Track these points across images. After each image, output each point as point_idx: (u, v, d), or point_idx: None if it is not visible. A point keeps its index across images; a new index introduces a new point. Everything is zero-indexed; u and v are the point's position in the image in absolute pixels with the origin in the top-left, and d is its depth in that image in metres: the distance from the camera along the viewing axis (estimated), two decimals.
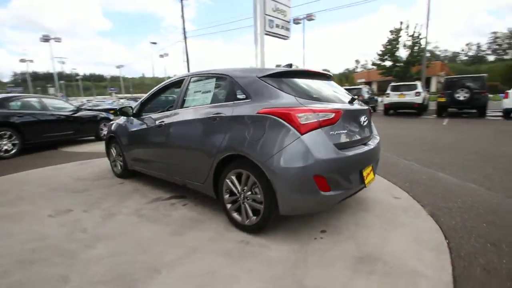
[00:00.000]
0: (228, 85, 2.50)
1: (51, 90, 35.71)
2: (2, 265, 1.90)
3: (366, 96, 15.00)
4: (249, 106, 2.22)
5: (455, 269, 1.78)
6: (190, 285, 1.66)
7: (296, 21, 23.06)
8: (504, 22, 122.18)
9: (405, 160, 4.73)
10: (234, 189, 2.30)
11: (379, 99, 18.65)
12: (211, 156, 2.41)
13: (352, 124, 2.31)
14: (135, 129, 3.52)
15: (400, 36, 27.68)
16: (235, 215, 2.35)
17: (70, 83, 64.52)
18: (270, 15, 16.26)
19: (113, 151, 4.10)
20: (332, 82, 2.78)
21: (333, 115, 2.06)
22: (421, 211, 2.66)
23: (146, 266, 1.85)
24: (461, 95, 10.93)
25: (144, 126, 3.36)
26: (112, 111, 11.35)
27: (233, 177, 2.29)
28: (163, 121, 3.00)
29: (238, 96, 2.39)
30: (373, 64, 29.76)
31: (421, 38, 26.46)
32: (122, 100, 27.44)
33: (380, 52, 28.61)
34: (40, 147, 6.83)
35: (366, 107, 2.65)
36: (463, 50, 78.28)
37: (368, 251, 1.99)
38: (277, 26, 16.97)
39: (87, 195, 3.32)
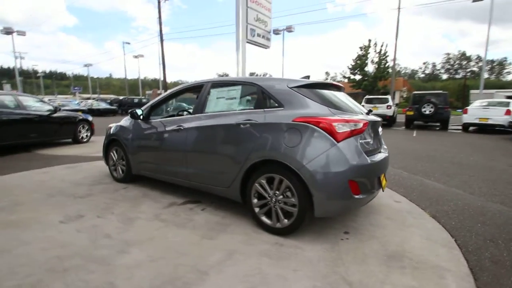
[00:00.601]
0: (257, 93, 2.61)
1: (7, 87, 32.53)
2: (33, 274, 1.79)
3: None
4: (282, 114, 2.35)
5: (469, 262, 2.04)
6: (243, 286, 1.72)
7: (276, 31, 23.82)
8: (455, 45, 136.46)
9: (393, 168, 5.14)
10: (264, 193, 2.39)
11: None
12: (240, 161, 2.49)
13: (371, 134, 2.54)
14: (145, 132, 3.45)
15: (368, 53, 29.76)
16: (264, 218, 2.43)
17: (29, 80, 59.29)
18: (252, 24, 16.60)
19: (114, 155, 3.95)
20: (345, 93, 3.01)
21: (361, 125, 2.26)
22: (423, 214, 2.96)
23: (192, 270, 1.87)
24: (427, 109, 12.05)
25: (157, 130, 3.32)
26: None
27: (263, 182, 2.39)
28: (181, 126, 3.00)
29: (268, 104, 2.51)
30: (344, 77, 31.51)
31: (387, 56, 28.73)
32: (90, 101, 25.86)
33: (351, 66, 30.44)
34: (12, 150, 6.28)
35: (380, 118, 2.91)
36: (420, 68, 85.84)
37: (392, 249, 2.19)
38: (258, 35, 17.37)
39: (92, 200, 3.17)
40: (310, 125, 2.18)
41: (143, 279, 1.76)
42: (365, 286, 1.73)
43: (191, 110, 4.03)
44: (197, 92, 4.15)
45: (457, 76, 62.78)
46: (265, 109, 2.48)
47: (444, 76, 70.34)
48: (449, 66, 70.63)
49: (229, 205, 2.97)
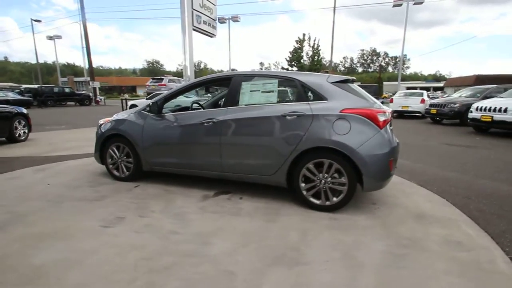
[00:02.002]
0: (297, 87, 2.85)
1: None
2: (138, 278, 1.72)
3: None
4: (328, 106, 2.67)
5: (465, 213, 2.78)
6: (338, 252, 2.02)
7: (222, 20, 23.30)
8: (367, 42, 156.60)
9: None
10: (312, 176, 2.70)
11: None
12: (287, 149, 2.72)
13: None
14: (164, 126, 3.30)
15: (303, 46, 31.98)
16: (312, 199, 2.75)
17: None
18: (197, 10, 16.10)
19: (115, 153, 3.62)
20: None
21: (389, 114, 2.76)
22: (412, 184, 3.73)
23: (285, 247, 2.07)
24: None
25: (179, 124, 3.22)
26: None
27: (311, 166, 2.69)
28: (213, 119, 3.02)
29: (310, 97, 2.79)
30: (282, 68, 33.27)
31: (320, 50, 31.43)
32: None
33: (288, 58, 32.25)
34: None
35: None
36: (341, 62, 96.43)
37: (413, 211, 2.79)
38: (204, 22, 16.96)
39: (113, 202, 2.93)
40: (358, 115, 2.57)
41: (252, 261, 1.89)
42: (419, 239, 2.24)
43: (198, 103, 3.98)
44: (219, 85, 4.12)
45: (369, 70, 72.97)
46: (309, 102, 2.76)
47: (360, 70, 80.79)
48: (363, 61, 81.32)
49: (261, 192, 3.17)
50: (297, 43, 31.95)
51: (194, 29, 14.66)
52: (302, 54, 31.67)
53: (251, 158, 2.93)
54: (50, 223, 2.44)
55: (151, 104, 3.32)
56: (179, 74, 42.37)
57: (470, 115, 8.24)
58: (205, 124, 3.06)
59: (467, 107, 8.91)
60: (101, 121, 3.84)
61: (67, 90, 24.37)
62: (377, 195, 3.22)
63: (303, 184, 2.76)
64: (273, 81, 2.96)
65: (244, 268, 1.83)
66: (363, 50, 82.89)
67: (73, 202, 2.91)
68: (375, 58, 77.73)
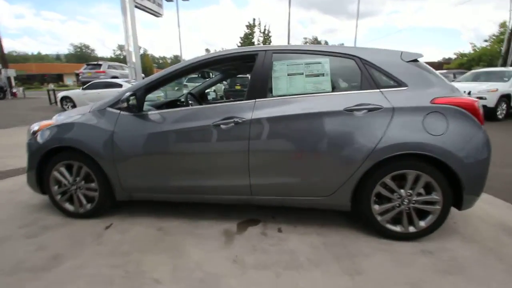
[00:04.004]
0: (359, 68, 1.97)
1: None
2: None
3: None
4: (411, 94, 1.87)
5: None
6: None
7: None
8: (308, 31, 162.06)
9: None
10: (389, 194, 1.92)
11: None
12: (355, 159, 1.87)
13: None
14: (148, 131, 2.11)
15: (254, 32, 31.09)
16: (390, 226, 1.97)
17: None
18: None
19: (64, 176, 2.29)
20: None
21: None
22: None
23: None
24: None
25: (174, 126, 2.09)
26: None
27: (388, 180, 1.90)
28: (235, 118, 1.97)
29: (381, 83, 1.95)
30: None
31: (270, 36, 30.92)
32: None
33: (240, 44, 31.00)
34: None
35: None
36: None
37: (491, 220, 2.25)
38: None
39: (76, 268, 1.72)
40: (456, 107, 1.83)
41: None
42: None
43: (192, 95, 2.83)
44: (231, 67, 3.00)
45: None
46: (382, 90, 1.92)
47: None
48: None
49: (296, 213, 2.31)
50: (247, 28, 30.93)
51: (136, 6, 12.55)
52: (253, 40, 30.79)
53: (297, 174, 1.99)
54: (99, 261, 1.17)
55: (124, 97, 2.08)
56: (116, 60, 37.50)
57: None
58: (222, 126, 1.99)
59: None
60: (35, 127, 2.42)
61: None
62: None
63: (376, 206, 1.96)
64: (322, 60, 2.03)
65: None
66: (306, 38, 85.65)
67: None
68: None
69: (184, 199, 2.26)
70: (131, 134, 2.14)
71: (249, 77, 2.18)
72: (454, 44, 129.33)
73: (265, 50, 2.10)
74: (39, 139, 2.28)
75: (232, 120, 1.98)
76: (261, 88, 2.05)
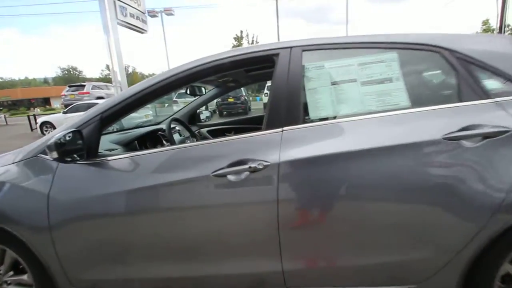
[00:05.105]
0: (452, 67, 1.19)
1: None
2: None
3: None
4: None
5: None
6: None
7: (152, 13, 19.82)
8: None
9: None
10: None
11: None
12: (470, 219, 1.07)
13: None
14: (108, 189, 1.27)
15: (242, 44, 30.85)
16: None
17: None
18: (120, 1, 13.25)
19: None
20: None
21: None
22: None
23: None
24: None
25: (151, 181, 1.25)
26: None
27: None
28: (248, 161, 1.16)
29: (493, 88, 1.16)
30: None
31: None
32: None
33: None
34: None
35: None
36: None
37: None
38: (132, 15, 14.15)
39: None
40: None
41: None
42: None
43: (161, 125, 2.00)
44: (234, 78, 2.28)
45: None
46: (498, 100, 1.13)
47: None
48: None
49: None
50: (235, 41, 30.70)
51: (119, 23, 11.92)
52: None
53: (366, 250, 1.17)
54: None
55: (52, 141, 1.21)
56: (103, 81, 36.79)
57: None
58: (230, 177, 1.17)
59: None
60: None
61: None
62: None
63: None
64: (387, 57, 1.24)
65: None
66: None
67: None
68: None
69: None
70: (79, 196, 1.30)
71: (267, 91, 1.38)
72: None
73: (290, 47, 1.30)
74: None
75: (246, 167, 1.16)
76: (289, 108, 1.24)
